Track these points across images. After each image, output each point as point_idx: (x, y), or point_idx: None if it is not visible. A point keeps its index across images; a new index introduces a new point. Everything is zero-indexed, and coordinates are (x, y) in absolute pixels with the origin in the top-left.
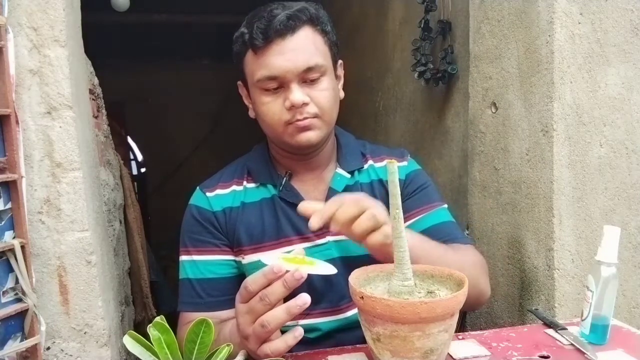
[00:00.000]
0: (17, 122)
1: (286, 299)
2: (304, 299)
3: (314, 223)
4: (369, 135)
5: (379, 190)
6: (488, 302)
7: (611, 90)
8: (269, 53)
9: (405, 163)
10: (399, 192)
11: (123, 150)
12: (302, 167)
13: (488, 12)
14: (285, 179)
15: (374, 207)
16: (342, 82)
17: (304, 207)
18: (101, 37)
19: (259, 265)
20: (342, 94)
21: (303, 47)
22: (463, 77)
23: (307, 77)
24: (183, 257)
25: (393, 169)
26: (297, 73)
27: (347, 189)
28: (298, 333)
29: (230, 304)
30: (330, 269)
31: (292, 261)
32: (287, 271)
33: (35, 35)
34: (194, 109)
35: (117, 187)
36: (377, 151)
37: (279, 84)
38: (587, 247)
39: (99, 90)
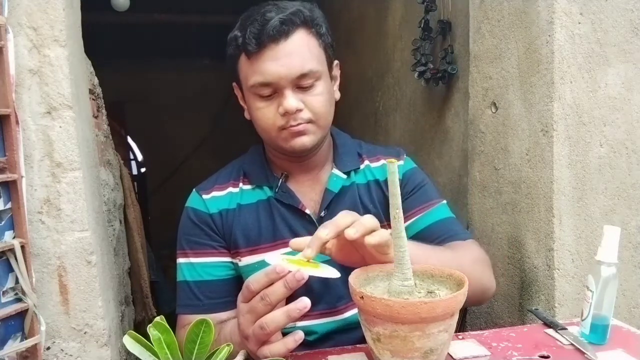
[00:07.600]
0: (17, 122)
1: (288, 301)
2: (304, 302)
3: (309, 253)
4: (369, 135)
5: (375, 190)
6: (488, 302)
7: (611, 90)
8: (262, 59)
9: (401, 162)
10: (399, 192)
11: (123, 150)
12: (298, 169)
13: (488, 12)
14: (281, 180)
15: (366, 216)
16: (337, 82)
17: (295, 243)
18: (101, 37)
19: (256, 267)
20: (337, 95)
21: (297, 52)
22: (463, 77)
23: (301, 83)
24: (180, 260)
25: (393, 169)
26: (291, 79)
27: (343, 189)
28: (298, 337)
29: (228, 306)
30: (334, 273)
31: (296, 263)
32: (289, 272)
33: (35, 35)
34: (194, 109)
35: (117, 187)
36: (373, 151)
37: (273, 90)
38: (587, 247)
39: (99, 90)
